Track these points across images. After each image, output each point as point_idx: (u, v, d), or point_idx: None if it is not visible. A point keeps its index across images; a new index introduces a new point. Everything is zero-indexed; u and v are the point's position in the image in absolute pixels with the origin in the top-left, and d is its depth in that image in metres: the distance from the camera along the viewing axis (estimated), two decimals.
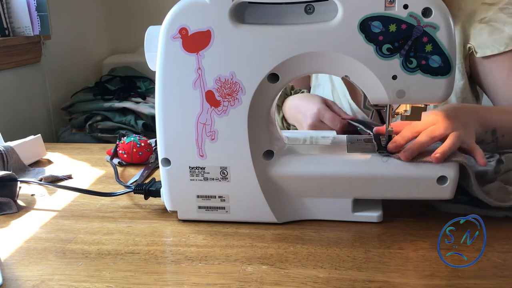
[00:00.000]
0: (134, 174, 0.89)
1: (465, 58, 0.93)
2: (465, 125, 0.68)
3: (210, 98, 0.62)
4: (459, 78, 0.93)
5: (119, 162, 0.94)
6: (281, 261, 0.57)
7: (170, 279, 0.54)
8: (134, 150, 0.92)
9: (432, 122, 0.67)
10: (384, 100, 0.61)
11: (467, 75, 0.95)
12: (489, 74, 0.92)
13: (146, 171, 0.90)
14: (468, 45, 0.91)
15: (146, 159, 0.94)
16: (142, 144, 0.94)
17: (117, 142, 0.96)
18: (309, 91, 1.09)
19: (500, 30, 0.88)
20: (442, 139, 0.65)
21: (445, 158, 0.62)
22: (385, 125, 0.68)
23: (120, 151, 0.93)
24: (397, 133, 0.69)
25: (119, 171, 0.90)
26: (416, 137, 0.66)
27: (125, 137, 0.95)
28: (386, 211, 0.67)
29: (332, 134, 0.77)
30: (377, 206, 0.67)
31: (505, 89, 0.90)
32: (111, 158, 0.94)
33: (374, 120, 0.88)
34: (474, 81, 0.97)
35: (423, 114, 0.69)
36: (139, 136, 0.96)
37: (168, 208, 0.69)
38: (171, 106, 0.63)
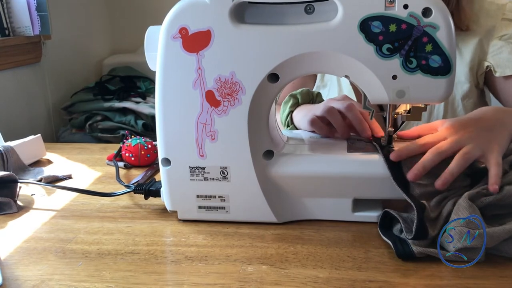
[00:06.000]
0: (137, 175, 0.89)
1: (480, 76, 0.90)
2: (488, 132, 0.62)
3: (210, 98, 0.62)
4: (463, 81, 0.90)
5: (124, 165, 0.93)
6: (281, 261, 0.57)
7: (170, 279, 0.54)
8: (142, 152, 0.92)
9: (443, 135, 0.63)
10: (384, 100, 0.61)
11: (478, 91, 0.92)
12: (508, 93, 0.88)
13: (150, 172, 0.90)
14: (486, 63, 0.88)
15: (153, 161, 0.94)
16: (149, 146, 0.94)
17: (121, 145, 0.95)
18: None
19: None
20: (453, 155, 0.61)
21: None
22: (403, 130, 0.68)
23: (127, 154, 0.93)
24: (414, 138, 0.68)
25: (122, 173, 0.90)
26: (422, 150, 0.63)
27: (129, 140, 0.95)
28: None
29: None
30: (377, 206, 0.67)
31: None
32: (114, 158, 0.94)
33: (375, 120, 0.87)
34: (494, 96, 0.93)
35: (442, 122, 0.67)
36: (144, 138, 0.96)
37: (168, 208, 0.69)
38: (171, 106, 0.63)
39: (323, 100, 0.90)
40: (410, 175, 0.61)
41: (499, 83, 0.89)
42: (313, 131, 0.77)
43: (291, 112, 0.88)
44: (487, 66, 0.88)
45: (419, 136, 0.68)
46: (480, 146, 0.60)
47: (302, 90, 0.89)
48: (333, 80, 1.03)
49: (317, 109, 0.76)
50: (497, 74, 0.87)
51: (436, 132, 0.66)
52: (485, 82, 0.92)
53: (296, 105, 0.88)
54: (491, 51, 0.88)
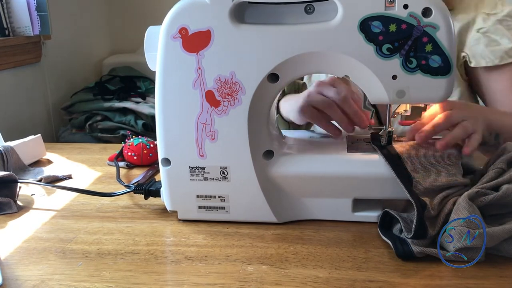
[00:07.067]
0: (137, 175, 0.89)
1: (460, 66, 0.93)
2: (477, 118, 0.68)
3: (210, 98, 0.62)
4: (455, 85, 0.92)
5: (127, 165, 0.93)
6: (281, 261, 0.57)
7: (170, 279, 0.54)
8: (145, 151, 0.92)
9: (448, 107, 0.67)
10: (384, 100, 0.61)
11: (466, 83, 0.94)
12: (485, 84, 0.92)
13: (150, 172, 0.90)
14: (463, 54, 0.91)
15: (155, 161, 0.94)
16: (151, 145, 0.94)
17: (123, 145, 0.95)
18: None
19: (497, 42, 0.88)
20: (451, 153, 0.65)
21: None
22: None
23: (129, 153, 0.93)
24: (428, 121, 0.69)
25: (122, 173, 0.90)
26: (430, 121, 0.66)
27: (131, 140, 0.95)
28: None
29: None
30: (377, 206, 0.67)
31: (502, 102, 0.90)
32: (116, 158, 0.94)
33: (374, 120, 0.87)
34: (472, 88, 0.96)
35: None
36: (145, 138, 0.96)
37: (168, 208, 0.69)
38: (171, 106, 0.63)
39: None
40: (420, 135, 0.64)
41: (476, 73, 0.92)
42: (307, 123, 0.77)
43: (278, 101, 0.89)
44: (463, 56, 0.91)
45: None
46: (474, 125, 0.66)
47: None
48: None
49: (309, 98, 0.75)
50: (472, 64, 0.90)
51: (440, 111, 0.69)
52: (467, 73, 0.95)
53: (282, 94, 0.89)
54: (468, 42, 0.90)
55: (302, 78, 1.07)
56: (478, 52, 0.89)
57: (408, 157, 0.64)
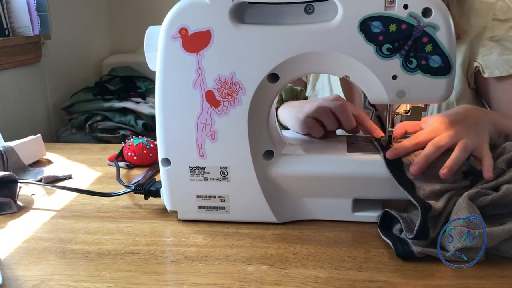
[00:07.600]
0: (138, 175, 0.89)
1: (470, 76, 0.90)
2: (476, 127, 0.66)
3: (210, 98, 0.62)
4: (456, 83, 0.90)
5: (127, 165, 0.93)
6: (281, 261, 0.57)
7: (170, 279, 0.54)
8: (145, 151, 0.92)
9: (435, 131, 0.66)
10: (384, 100, 0.61)
11: (472, 91, 0.92)
12: (492, 92, 0.89)
13: (150, 172, 0.90)
14: (475, 64, 0.88)
15: (155, 161, 0.94)
16: (151, 145, 0.94)
17: (123, 145, 0.95)
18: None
19: (510, 50, 0.85)
20: (450, 148, 0.63)
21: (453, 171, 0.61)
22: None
23: (129, 154, 0.93)
24: (397, 135, 0.69)
25: (122, 173, 0.90)
26: (417, 147, 0.65)
27: (131, 140, 0.95)
28: None
29: None
30: (377, 206, 0.67)
31: (507, 111, 0.87)
32: (116, 158, 0.94)
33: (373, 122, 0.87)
34: (480, 95, 0.95)
35: (426, 118, 0.68)
36: (146, 138, 0.96)
37: (168, 208, 0.69)
38: (171, 106, 0.63)
39: (306, 97, 0.91)
40: (414, 168, 0.62)
41: (492, 84, 0.89)
42: (307, 133, 0.77)
43: (276, 108, 0.89)
44: (476, 67, 0.89)
45: (406, 132, 0.70)
46: (473, 140, 0.64)
47: (285, 87, 0.90)
48: (324, 90, 1.03)
49: (309, 109, 0.76)
50: (485, 75, 0.87)
51: (424, 130, 0.68)
52: (475, 82, 0.93)
53: (280, 101, 0.89)
54: (481, 51, 0.88)
55: (301, 84, 1.07)
56: (491, 61, 0.87)
57: (410, 163, 0.63)
